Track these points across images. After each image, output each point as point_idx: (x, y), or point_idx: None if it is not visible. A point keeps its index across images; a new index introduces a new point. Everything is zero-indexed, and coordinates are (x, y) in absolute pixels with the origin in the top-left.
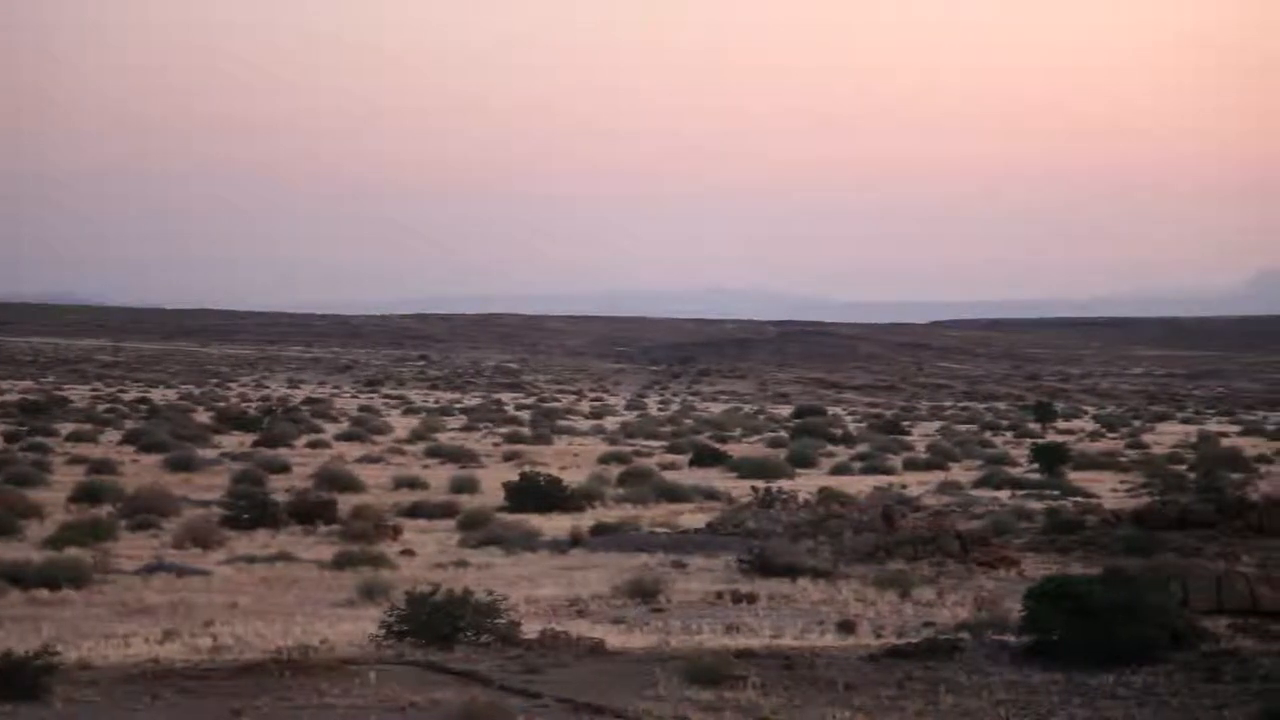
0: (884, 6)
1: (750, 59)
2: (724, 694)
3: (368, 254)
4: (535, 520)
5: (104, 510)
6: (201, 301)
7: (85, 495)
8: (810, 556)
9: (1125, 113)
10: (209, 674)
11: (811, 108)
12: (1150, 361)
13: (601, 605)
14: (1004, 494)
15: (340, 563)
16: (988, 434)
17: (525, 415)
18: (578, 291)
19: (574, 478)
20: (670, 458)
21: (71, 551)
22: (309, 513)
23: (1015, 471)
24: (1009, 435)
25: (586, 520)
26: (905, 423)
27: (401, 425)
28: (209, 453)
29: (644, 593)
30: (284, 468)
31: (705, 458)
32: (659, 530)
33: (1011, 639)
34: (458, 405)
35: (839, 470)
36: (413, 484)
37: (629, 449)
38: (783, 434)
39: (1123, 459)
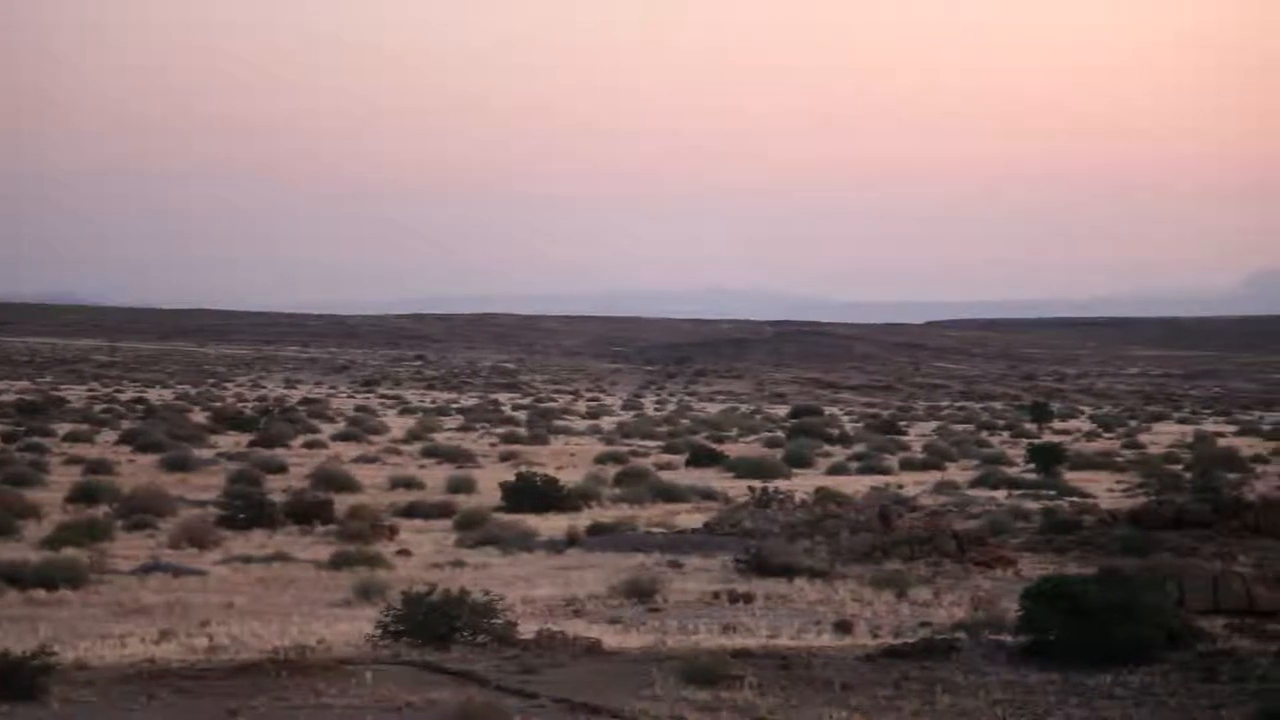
0: (884, 6)
1: (750, 59)
2: (720, 694)
3: (366, 254)
4: (532, 520)
5: (100, 510)
6: (199, 301)
7: (82, 495)
8: (807, 556)
9: (1125, 113)
10: (205, 674)
11: (811, 108)
12: (1146, 361)
13: (598, 605)
14: (1000, 494)
15: (337, 563)
16: (984, 434)
17: (522, 415)
18: (577, 291)
19: (570, 478)
20: (667, 458)
21: (68, 552)
22: (305, 513)
23: (1012, 471)
24: (1005, 435)
25: (583, 520)
26: (902, 423)
27: (398, 425)
28: (205, 453)
29: (640, 593)
30: (280, 468)
31: (702, 458)
32: (655, 530)
33: (1008, 639)
34: (454, 405)
35: (836, 470)
36: (409, 484)
37: (625, 449)
38: (779, 434)
39: (1119, 459)
